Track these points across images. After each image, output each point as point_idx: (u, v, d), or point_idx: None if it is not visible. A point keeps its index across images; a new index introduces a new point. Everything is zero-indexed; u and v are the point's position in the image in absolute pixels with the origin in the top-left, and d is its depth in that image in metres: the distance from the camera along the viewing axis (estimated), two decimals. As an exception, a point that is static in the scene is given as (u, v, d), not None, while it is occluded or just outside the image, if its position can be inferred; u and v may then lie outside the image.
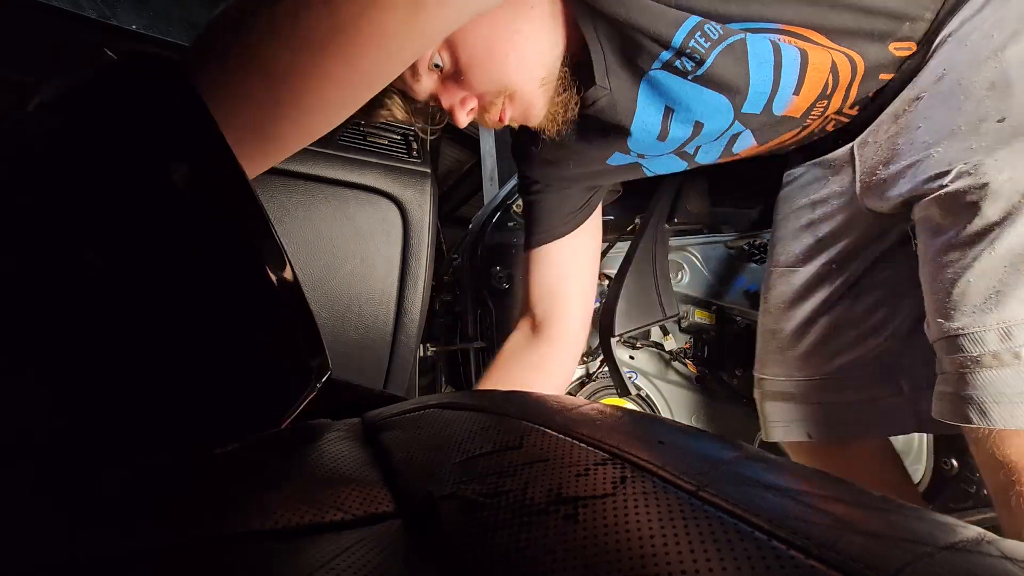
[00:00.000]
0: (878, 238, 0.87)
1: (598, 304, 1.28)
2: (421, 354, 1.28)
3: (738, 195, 1.09)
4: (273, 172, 0.83)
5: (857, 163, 0.83)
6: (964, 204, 0.62)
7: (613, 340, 1.06)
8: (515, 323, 0.95)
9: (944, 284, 0.64)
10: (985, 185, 0.59)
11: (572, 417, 0.31)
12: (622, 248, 1.21)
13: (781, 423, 0.95)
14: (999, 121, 0.59)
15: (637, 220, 1.20)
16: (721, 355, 1.26)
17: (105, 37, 0.72)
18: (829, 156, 0.88)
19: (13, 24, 0.67)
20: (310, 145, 0.85)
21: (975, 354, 0.61)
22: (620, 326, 1.05)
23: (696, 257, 1.33)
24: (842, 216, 0.87)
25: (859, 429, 0.91)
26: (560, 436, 0.28)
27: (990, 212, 0.59)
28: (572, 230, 0.92)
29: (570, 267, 0.93)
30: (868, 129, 0.81)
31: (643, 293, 1.07)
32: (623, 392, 1.10)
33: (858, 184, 0.82)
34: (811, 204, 0.92)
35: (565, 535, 0.21)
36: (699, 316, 1.27)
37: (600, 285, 1.30)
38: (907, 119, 0.72)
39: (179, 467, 0.33)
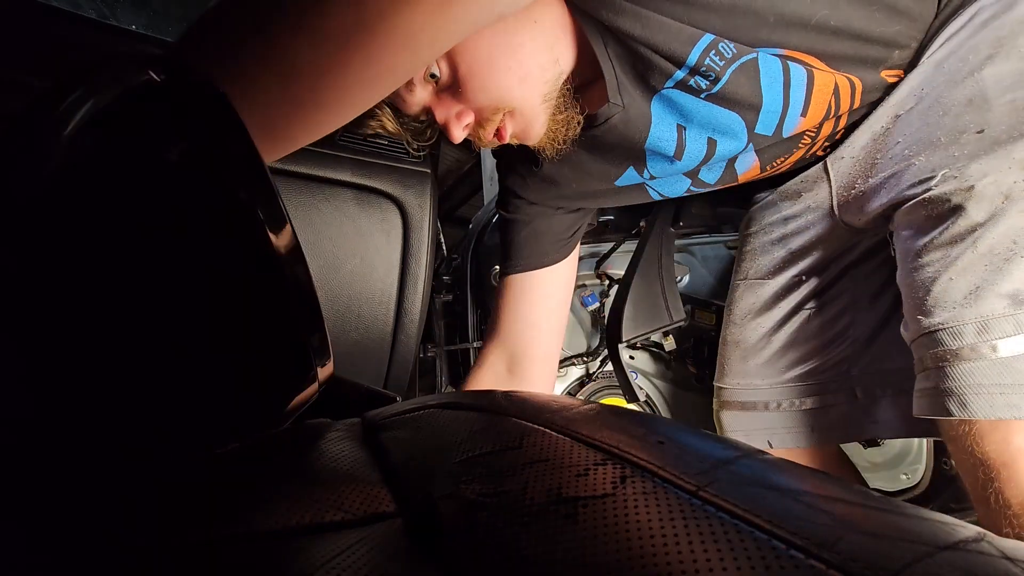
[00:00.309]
0: (848, 251, 0.89)
1: (597, 304, 1.28)
2: (421, 354, 1.28)
3: (738, 196, 1.10)
4: (273, 172, 0.83)
5: (832, 178, 0.84)
6: (949, 206, 0.63)
7: (621, 346, 1.05)
8: (484, 348, 0.90)
9: (925, 283, 0.65)
10: (971, 188, 0.61)
11: (572, 417, 0.31)
12: (626, 249, 1.21)
13: (740, 432, 0.96)
14: (978, 132, 0.62)
15: (642, 223, 1.19)
16: (721, 355, 1.26)
17: (105, 37, 0.72)
18: (802, 173, 0.89)
19: (13, 24, 0.67)
20: (310, 145, 0.86)
21: (954, 347, 0.61)
22: (628, 332, 1.03)
23: (696, 257, 1.33)
24: (815, 230, 0.88)
25: (816, 436, 0.92)
26: (560, 436, 0.28)
27: (974, 213, 0.61)
28: (561, 259, 0.89)
29: (552, 300, 0.90)
30: (843, 145, 0.81)
31: (649, 298, 1.06)
32: (631, 399, 1.09)
33: (835, 199, 0.83)
34: (783, 219, 0.92)
35: (565, 535, 0.21)
36: (700, 317, 1.27)
37: (600, 285, 1.30)
38: (885, 136, 0.75)
39: (179, 468, 0.33)
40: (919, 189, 0.67)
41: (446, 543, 0.24)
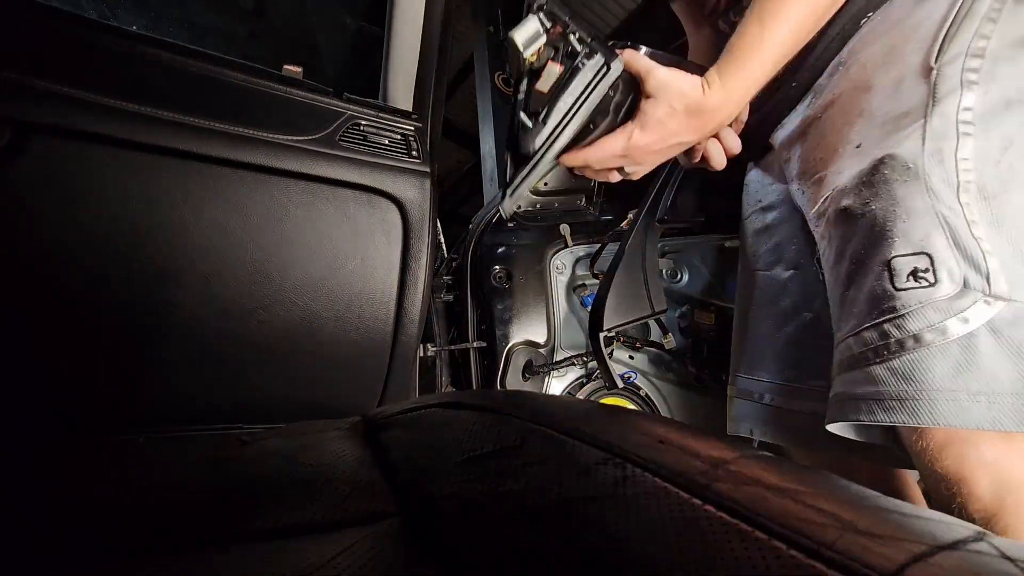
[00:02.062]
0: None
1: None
2: (421, 354, 1.28)
3: (731, 195, 1.10)
4: (273, 172, 0.83)
5: (784, 170, 0.83)
6: (848, 217, 0.66)
7: (602, 335, 1.06)
8: None
9: (844, 292, 0.67)
10: (866, 204, 0.63)
11: (572, 417, 0.31)
12: (615, 248, 1.22)
13: (744, 421, 0.94)
14: (857, 147, 0.66)
15: (630, 215, 1.20)
16: (721, 355, 1.26)
17: (105, 37, 0.72)
18: (766, 159, 0.88)
19: (13, 24, 0.67)
20: (309, 145, 0.86)
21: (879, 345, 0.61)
22: (609, 321, 1.05)
23: (695, 257, 1.33)
24: (790, 223, 0.86)
25: (805, 439, 0.89)
26: (560, 436, 0.28)
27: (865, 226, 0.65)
28: None
29: None
30: (784, 138, 0.81)
31: (632, 289, 1.08)
32: (611, 386, 1.11)
33: (792, 191, 0.82)
34: (762, 209, 0.91)
35: (566, 535, 0.21)
36: (699, 316, 1.27)
37: (585, 285, 1.31)
38: (808, 139, 0.76)
39: (180, 468, 0.33)
40: (829, 200, 0.68)
41: (446, 542, 0.24)
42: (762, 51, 0.66)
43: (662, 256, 1.35)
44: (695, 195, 1.15)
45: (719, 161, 0.76)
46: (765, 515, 0.19)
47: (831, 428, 0.66)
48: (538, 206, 1.37)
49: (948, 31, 0.63)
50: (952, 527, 0.19)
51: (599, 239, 1.32)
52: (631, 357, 1.34)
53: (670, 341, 1.23)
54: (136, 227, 0.73)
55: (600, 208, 1.36)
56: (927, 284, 0.58)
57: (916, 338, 0.58)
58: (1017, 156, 0.59)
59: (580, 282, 1.33)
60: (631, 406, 1.31)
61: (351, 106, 0.92)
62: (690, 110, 0.67)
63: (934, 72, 0.62)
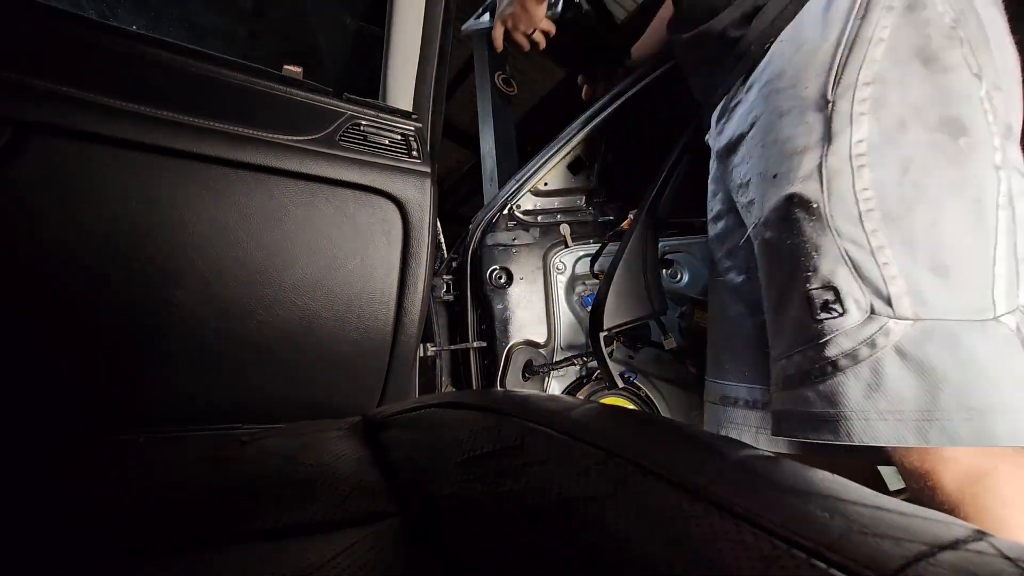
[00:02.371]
0: None
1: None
2: (421, 354, 1.28)
3: None
4: (273, 172, 0.83)
5: (727, 182, 0.85)
6: (772, 248, 0.70)
7: (602, 335, 1.06)
8: None
9: (775, 315, 0.71)
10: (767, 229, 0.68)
11: (572, 417, 0.32)
12: (615, 248, 1.22)
13: (712, 424, 0.95)
14: (774, 177, 0.69)
15: (630, 215, 1.20)
16: (721, 355, 1.26)
17: (105, 37, 0.72)
18: (714, 167, 0.92)
19: (13, 24, 0.67)
20: (309, 145, 0.86)
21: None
22: (609, 321, 1.05)
23: (695, 257, 1.33)
24: (739, 230, 0.86)
25: (764, 441, 0.89)
26: (560, 436, 0.28)
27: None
28: None
29: None
30: (721, 148, 0.84)
31: (633, 289, 1.07)
32: (612, 385, 1.12)
33: (736, 201, 0.84)
34: (714, 218, 0.95)
35: (566, 535, 0.21)
36: (699, 316, 1.27)
37: (585, 284, 1.31)
38: (739, 154, 0.79)
39: (180, 468, 0.33)
40: (753, 225, 0.74)
41: (446, 542, 0.24)
42: None
43: (662, 256, 1.35)
44: (694, 195, 1.16)
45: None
46: (765, 515, 0.19)
47: (776, 438, 0.71)
48: (538, 205, 1.37)
49: (840, 59, 0.64)
50: (952, 527, 0.19)
51: (599, 239, 1.32)
52: (631, 357, 1.34)
53: (670, 342, 1.22)
54: (136, 227, 0.73)
55: (600, 208, 1.36)
56: (837, 314, 0.61)
57: (833, 364, 0.61)
58: (920, 173, 0.60)
59: (580, 282, 1.33)
60: (631, 406, 1.31)
61: (351, 106, 0.92)
62: None
63: (830, 106, 0.64)
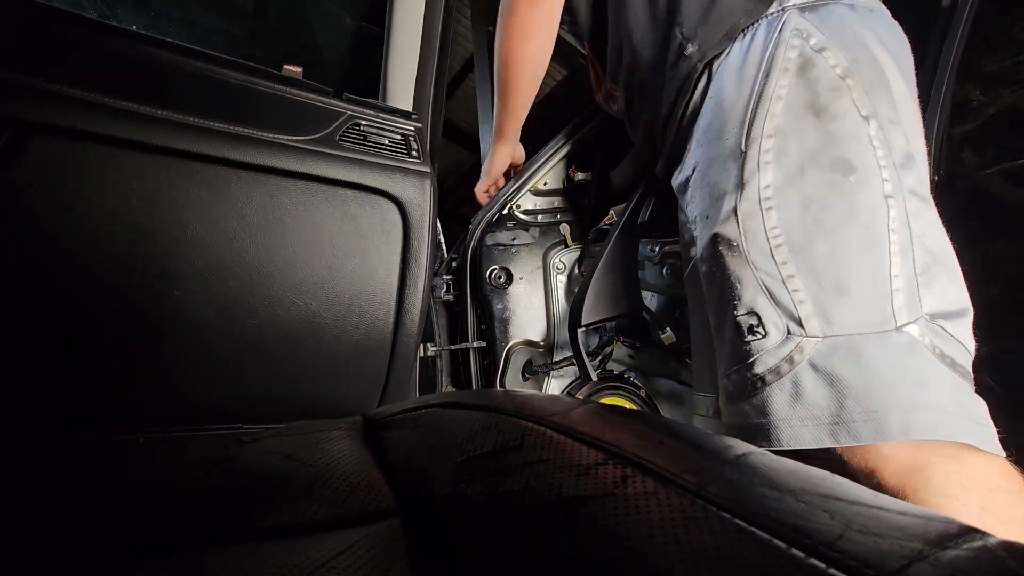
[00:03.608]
0: None
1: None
2: (421, 354, 1.28)
3: None
4: (273, 172, 0.83)
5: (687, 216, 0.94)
6: (707, 280, 0.80)
7: (580, 331, 1.12)
8: None
9: (716, 338, 0.80)
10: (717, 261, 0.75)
11: (572, 417, 0.32)
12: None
13: None
14: (707, 218, 0.78)
15: (612, 212, 1.22)
16: (721, 355, 1.26)
17: (105, 37, 0.72)
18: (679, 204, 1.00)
19: (13, 24, 0.67)
20: (309, 145, 0.86)
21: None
22: (587, 317, 1.11)
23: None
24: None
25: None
26: (560, 436, 0.28)
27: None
28: None
29: None
30: (679, 185, 0.92)
31: (611, 288, 1.13)
32: (587, 379, 1.17)
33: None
34: (684, 245, 1.02)
35: (566, 535, 0.21)
36: (699, 316, 1.27)
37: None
38: (687, 194, 0.88)
39: (180, 468, 0.33)
40: (695, 258, 0.83)
41: (446, 542, 0.24)
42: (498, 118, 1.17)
43: (663, 258, 1.36)
44: (676, 203, 1.21)
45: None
46: (765, 515, 0.19)
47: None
48: (538, 205, 1.37)
49: (749, 114, 0.75)
50: (952, 526, 0.19)
51: (582, 241, 1.33)
52: (631, 357, 1.34)
53: (669, 337, 1.23)
54: (136, 227, 0.73)
55: (600, 208, 1.37)
56: (761, 336, 0.71)
57: (762, 380, 0.70)
58: (818, 209, 0.69)
59: (579, 281, 1.33)
60: (631, 406, 1.31)
61: (351, 106, 0.92)
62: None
63: (742, 156, 0.74)
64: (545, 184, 1.36)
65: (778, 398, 0.68)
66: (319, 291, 0.88)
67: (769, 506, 0.20)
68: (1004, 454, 0.62)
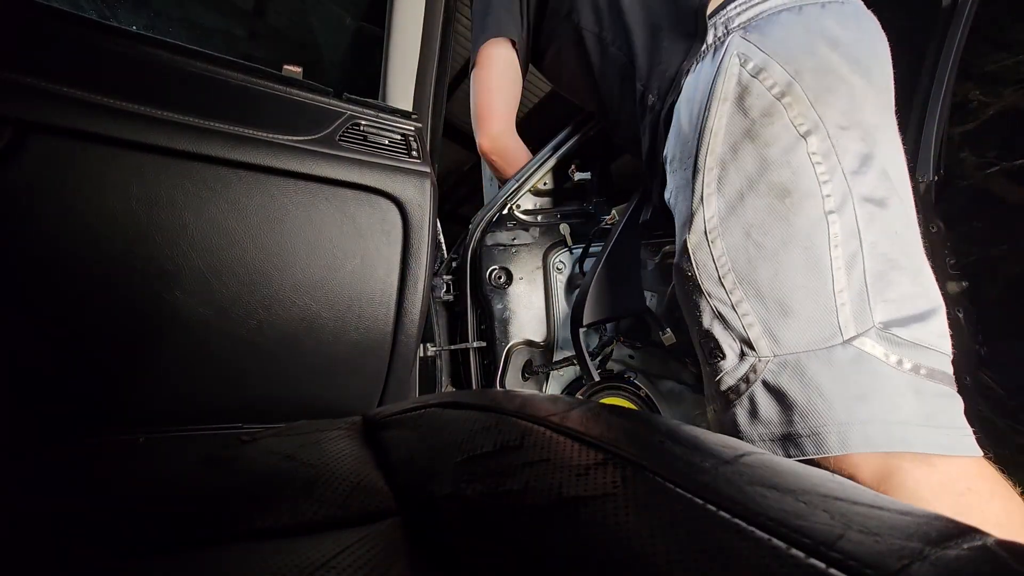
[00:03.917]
0: None
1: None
2: (421, 354, 1.28)
3: None
4: (273, 172, 0.83)
5: None
6: (680, 303, 0.84)
7: (582, 330, 1.13)
8: None
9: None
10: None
11: (572, 417, 0.32)
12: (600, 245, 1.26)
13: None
14: (674, 244, 0.81)
15: (614, 212, 1.22)
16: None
17: (105, 37, 0.72)
18: None
19: (13, 24, 0.67)
20: (309, 145, 0.86)
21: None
22: (588, 317, 1.11)
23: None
24: None
25: None
26: (560, 436, 0.28)
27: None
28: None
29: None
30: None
31: (612, 288, 1.14)
32: (589, 379, 1.17)
33: None
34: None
35: (566, 535, 0.21)
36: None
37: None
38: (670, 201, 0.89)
39: (180, 468, 0.33)
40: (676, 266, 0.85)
41: (446, 542, 0.24)
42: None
43: (664, 258, 1.36)
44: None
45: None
46: (765, 514, 0.19)
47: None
48: (538, 205, 1.37)
49: (695, 145, 0.76)
50: (952, 526, 0.19)
51: (580, 241, 1.33)
52: (631, 357, 1.34)
53: (669, 337, 1.23)
54: (136, 227, 0.73)
55: (600, 207, 1.36)
56: (720, 358, 0.73)
57: (726, 398, 0.73)
58: (759, 234, 0.71)
59: (579, 282, 1.33)
60: (631, 406, 1.31)
61: (351, 106, 0.92)
62: None
63: (691, 187, 0.77)
64: (545, 184, 1.36)
65: (740, 415, 0.72)
66: (319, 291, 0.88)
67: (769, 506, 0.20)
68: (979, 454, 0.62)
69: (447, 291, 1.35)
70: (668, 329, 1.24)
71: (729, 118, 0.73)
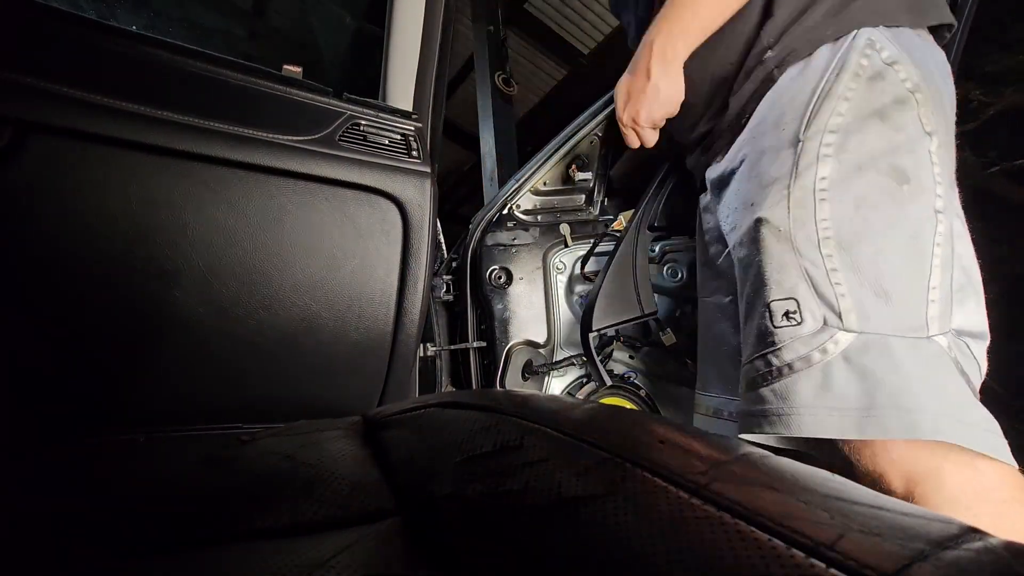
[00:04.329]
0: None
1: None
2: (421, 354, 1.28)
3: None
4: (273, 172, 0.83)
5: (717, 211, 0.95)
6: (742, 265, 0.81)
7: (592, 335, 1.13)
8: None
9: (743, 325, 0.80)
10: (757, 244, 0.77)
11: (572, 417, 0.32)
12: (604, 248, 1.27)
13: None
14: (751, 205, 0.79)
15: (621, 218, 1.23)
16: (721, 355, 1.26)
17: (105, 37, 0.72)
18: (708, 198, 0.99)
19: (13, 24, 0.67)
20: (309, 145, 0.86)
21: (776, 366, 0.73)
22: (598, 322, 1.11)
23: (695, 257, 1.33)
24: (730, 256, 0.95)
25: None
26: (560, 436, 0.28)
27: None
28: None
29: None
30: (714, 179, 0.93)
31: (622, 292, 1.14)
32: (601, 383, 1.16)
33: (722, 229, 0.93)
34: (706, 243, 1.03)
35: (566, 535, 0.21)
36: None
37: (587, 284, 1.31)
38: (728, 188, 0.89)
39: (180, 468, 0.33)
40: (730, 243, 0.83)
41: (446, 543, 0.24)
42: (686, 25, 0.85)
43: (663, 256, 1.36)
44: (683, 204, 1.22)
45: (648, 140, 0.97)
46: (765, 515, 0.19)
47: (743, 437, 0.76)
48: (538, 205, 1.37)
49: (812, 107, 0.75)
50: (952, 526, 0.19)
51: (593, 236, 1.33)
52: (631, 357, 1.34)
53: (669, 337, 1.24)
54: (136, 227, 0.73)
55: (600, 207, 1.36)
56: (795, 323, 0.71)
57: (789, 366, 0.70)
58: (869, 210, 0.70)
59: (580, 282, 1.33)
60: (631, 406, 1.31)
61: (351, 106, 0.92)
62: (638, 63, 0.89)
63: (800, 144, 0.75)
64: (545, 184, 1.36)
65: (805, 386, 0.69)
66: (319, 291, 0.88)
67: (769, 506, 0.20)
68: (1016, 465, 0.63)
69: (447, 291, 1.35)
70: (668, 329, 1.24)
71: (860, 92, 0.74)
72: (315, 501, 0.27)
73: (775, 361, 0.72)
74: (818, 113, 0.75)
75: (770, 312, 0.73)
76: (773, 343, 0.72)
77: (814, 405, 0.68)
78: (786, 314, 0.72)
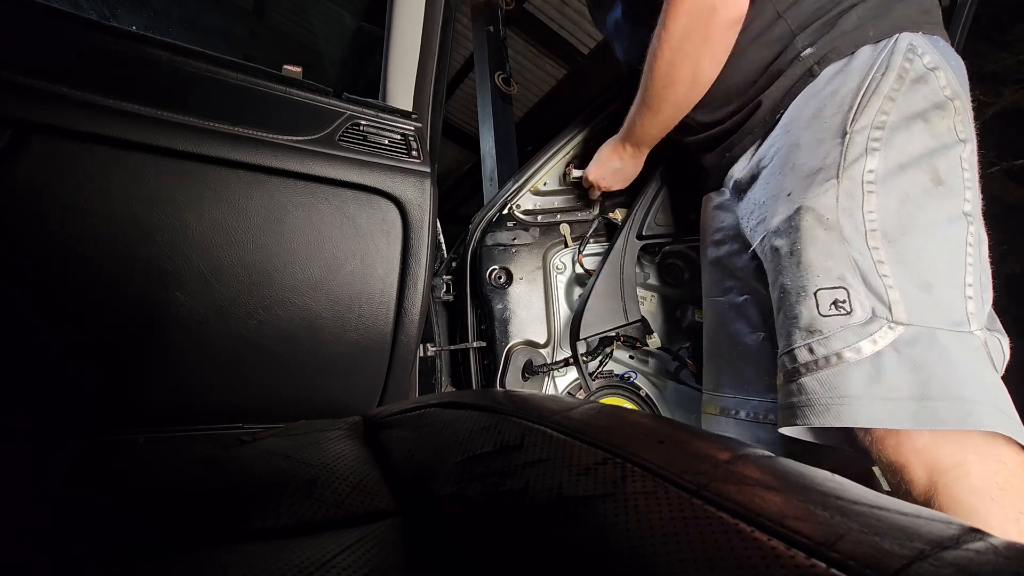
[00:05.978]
0: None
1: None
2: (421, 354, 1.28)
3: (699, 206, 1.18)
4: (273, 172, 0.83)
5: (736, 209, 0.95)
6: (779, 254, 0.80)
7: (579, 343, 1.18)
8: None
9: (779, 315, 0.80)
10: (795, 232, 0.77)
11: (572, 417, 0.32)
12: (594, 248, 1.30)
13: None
14: (788, 195, 0.80)
15: (613, 213, 1.27)
16: (721, 355, 1.26)
17: (105, 37, 0.72)
18: (721, 200, 1.01)
19: (13, 24, 0.67)
20: (309, 145, 0.86)
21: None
22: (586, 330, 1.16)
23: (695, 257, 1.33)
24: (741, 255, 0.97)
25: (768, 447, 0.97)
26: (560, 436, 0.28)
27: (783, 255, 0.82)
28: None
29: None
30: (737, 180, 0.94)
31: (609, 301, 1.19)
32: (586, 389, 1.21)
33: (742, 226, 0.94)
34: (715, 243, 1.04)
35: (566, 534, 0.21)
36: (699, 315, 1.27)
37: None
38: (756, 185, 0.90)
39: (180, 468, 0.33)
40: (767, 234, 0.83)
41: (446, 542, 0.24)
42: (648, 131, 1.00)
43: (664, 257, 1.36)
44: (671, 214, 1.28)
45: (596, 195, 1.25)
46: (765, 515, 0.19)
47: (783, 431, 0.77)
48: (538, 205, 1.37)
49: (860, 101, 0.76)
50: (952, 527, 0.19)
51: (598, 239, 1.33)
52: (631, 357, 1.34)
53: (655, 341, 1.26)
54: (136, 227, 0.73)
55: (600, 207, 1.37)
56: (845, 312, 0.70)
57: (838, 355, 0.70)
58: (913, 207, 0.72)
59: (580, 282, 1.33)
60: (631, 406, 1.31)
61: (351, 106, 0.92)
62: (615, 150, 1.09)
63: (847, 136, 0.76)
64: (545, 184, 1.36)
65: (855, 375, 0.68)
66: (319, 291, 0.88)
67: (769, 507, 0.20)
68: None
69: (447, 291, 1.35)
70: (654, 332, 1.26)
71: (904, 94, 0.76)
72: (315, 501, 0.27)
73: (820, 350, 0.71)
74: (865, 109, 0.75)
75: (816, 301, 0.73)
76: (820, 332, 0.72)
77: (865, 395, 0.67)
78: (835, 303, 0.71)
